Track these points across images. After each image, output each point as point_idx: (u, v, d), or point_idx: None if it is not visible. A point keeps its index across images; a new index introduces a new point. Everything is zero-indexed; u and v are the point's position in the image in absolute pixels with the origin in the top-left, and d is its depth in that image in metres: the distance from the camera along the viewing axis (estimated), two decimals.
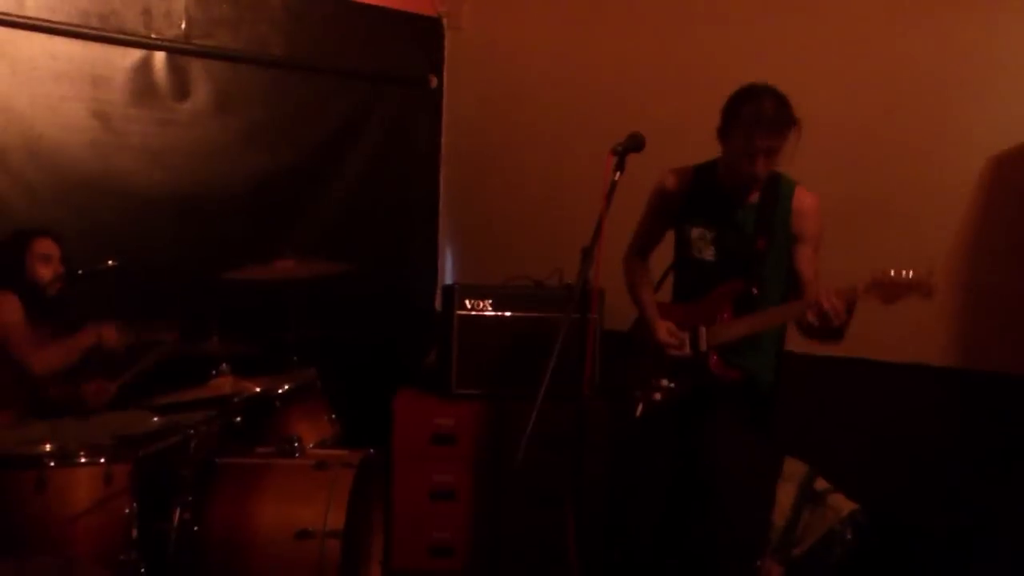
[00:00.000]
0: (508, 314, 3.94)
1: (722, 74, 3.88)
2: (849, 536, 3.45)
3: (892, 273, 2.64)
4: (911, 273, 2.62)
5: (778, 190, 2.94)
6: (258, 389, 3.40)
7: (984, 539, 3.24)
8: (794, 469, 3.63)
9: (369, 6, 4.91)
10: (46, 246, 3.52)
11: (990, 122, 3.30)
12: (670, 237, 3.20)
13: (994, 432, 3.29)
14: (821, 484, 3.60)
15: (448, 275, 5.30)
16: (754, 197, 2.95)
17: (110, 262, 3.58)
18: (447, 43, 5.23)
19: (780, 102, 2.80)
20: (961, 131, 3.37)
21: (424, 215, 5.27)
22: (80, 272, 3.56)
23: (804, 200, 2.94)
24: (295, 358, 3.86)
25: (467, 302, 3.93)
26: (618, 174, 2.70)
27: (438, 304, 4.90)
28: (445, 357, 3.98)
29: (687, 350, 3.01)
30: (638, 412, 3.10)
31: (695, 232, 3.03)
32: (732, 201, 2.97)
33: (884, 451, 3.53)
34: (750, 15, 3.95)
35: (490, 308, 3.93)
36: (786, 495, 3.57)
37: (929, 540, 3.37)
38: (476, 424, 3.90)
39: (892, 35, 3.54)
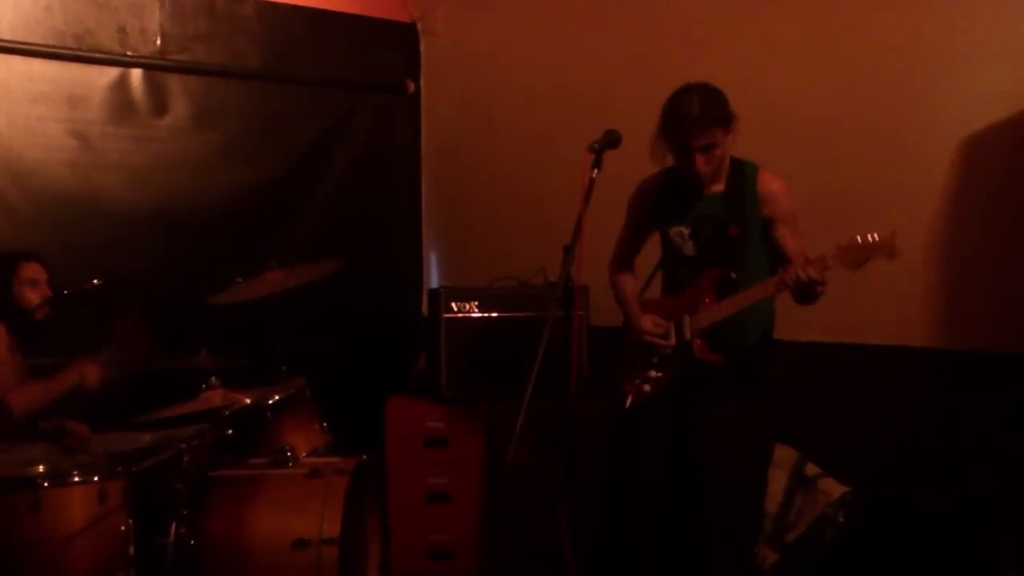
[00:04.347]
0: (495, 315, 3.95)
1: (696, 68, 3.90)
2: (841, 519, 3.48)
3: (858, 239, 2.70)
4: (875, 235, 2.69)
5: (743, 177, 3.01)
6: (248, 400, 3.41)
7: (974, 516, 3.27)
8: (784, 455, 3.66)
9: (343, 15, 4.91)
10: (33, 270, 3.50)
11: (960, 104, 3.34)
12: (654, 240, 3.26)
13: (978, 409, 3.33)
14: (812, 469, 3.63)
15: (433, 279, 5.31)
16: (719, 186, 3.02)
17: (95, 281, 3.56)
18: (423, 48, 5.24)
19: (708, 100, 2.87)
20: (932, 114, 3.41)
21: (407, 220, 5.28)
22: (65, 292, 3.55)
23: (769, 184, 3.00)
24: (284, 368, 3.87)
25: (453, 305, 3.95)
26: (596, 171, 2.74)
27: (424, 308, 4.92)
28: (434, 361, 3.99)
29: (672, 340, 3.06)
30: (627, 403, 3.14)
31: (673, 231, 3.11)
32: (701, 194, 3.04)
33: (872, 434, 3.57)
34: (721, 10, 3.98)
35: (476, 310, 3.94)
36: (777, 481, 3.60)
37: (920, 520, 3.40)
38: (468, 426, 3.92)
39: (859, 22, 3.58)
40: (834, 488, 3.54)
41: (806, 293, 2.78)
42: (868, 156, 3.56)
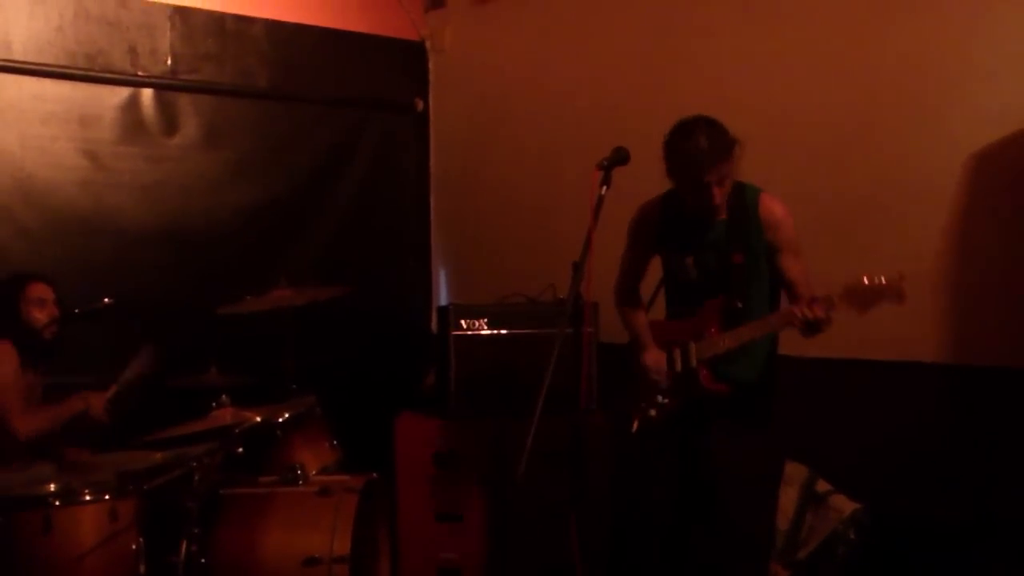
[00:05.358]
0: (503, 332, 3.95)
1: (705, 83, 3.95)
2: (852, 536, 3.47)
3: (865, 280, 2.70)
4: (883, 279, 2.69)
5: (744, 202, 3.00)
6: (259, 419, 3.41)
7: (985, 532, 3.25)
8: (795, 472, 3.65)
9: (352, 33, 4.95)
10: (40, 290, 3.53)
11: (970, 119, 3.33)
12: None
13: (989, 425, 3.31)
14: (823, 486, 3.62)
15: (442, 296, 5.32)
16: (722, 214, 3.01)
17: (106, 300, 3.59)
18: (431, 66, 5.28)
19: (713, 133, 2.87)
20: (941, 129, 3.40)
21: (416, 237, 5.31)
22: (77, 311, 3.57)
23: (771, 211, 2.99)
24: (294, 386, 3.88)
25: (462, 322, 3.94)
26: (604, 188, 2.75)
27: (433, 325, 4.92)
28: (443, 378, 3.98)
29: (667, 382, 3.08)
30: (634, 428, 3.15)
31: (675, 258, 3.13)
32: (703, 223, 3.03)
33: (883, 450, 3.55)
34: (728, 25, 3.99)
35: (485, 327, 3.94)
36: (788, 499, 3.59)
37: (931, 536, 3.38)
38: (478, 443, 3.91)
39: (870, 37, 3.58)
40: (845, 505, 3.53)
41: (812, 331, 2.79)
42: (878, 172, 3.56)
